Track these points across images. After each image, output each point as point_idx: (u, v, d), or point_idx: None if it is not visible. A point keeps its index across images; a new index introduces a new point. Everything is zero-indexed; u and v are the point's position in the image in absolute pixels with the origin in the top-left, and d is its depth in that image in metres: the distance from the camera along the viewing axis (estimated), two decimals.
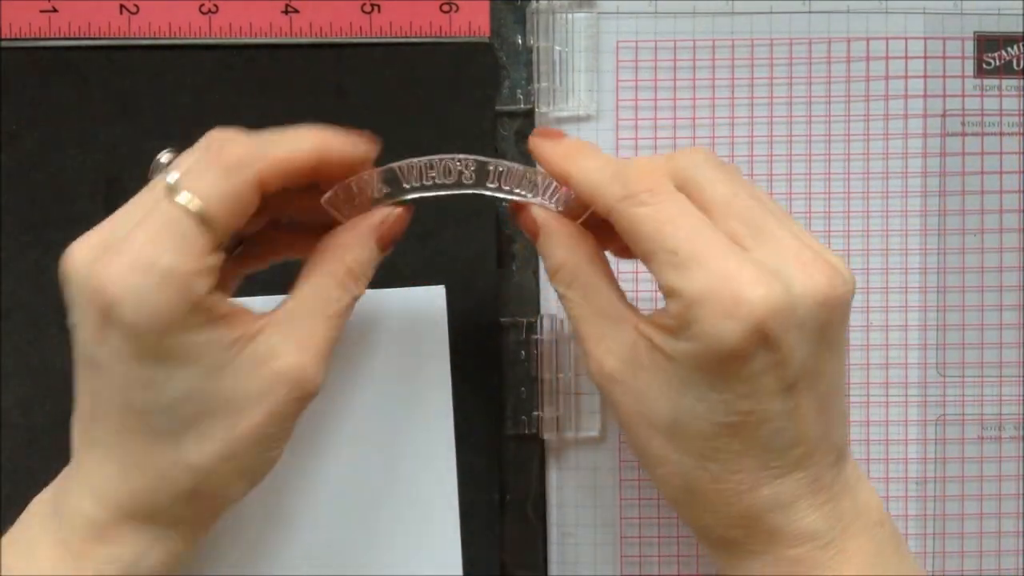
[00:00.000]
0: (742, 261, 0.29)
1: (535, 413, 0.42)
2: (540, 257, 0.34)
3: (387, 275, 0.41)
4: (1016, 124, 0.42)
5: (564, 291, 0.33)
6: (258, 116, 0.41)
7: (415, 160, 0.34)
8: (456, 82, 0.41)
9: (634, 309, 0.33)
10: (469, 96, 0.41)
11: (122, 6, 0.41)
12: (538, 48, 0.41)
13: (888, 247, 0.42)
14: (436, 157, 0.34)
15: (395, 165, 0.34)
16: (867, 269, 0.42)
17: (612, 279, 0.33)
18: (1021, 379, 0.43)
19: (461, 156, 0.34)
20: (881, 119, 0.42)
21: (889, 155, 0.42)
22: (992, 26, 0.42)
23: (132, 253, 0.29)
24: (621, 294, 0.33)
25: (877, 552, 0.32)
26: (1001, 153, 0.42)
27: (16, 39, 0.41)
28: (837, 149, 0.42)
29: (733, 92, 0.42)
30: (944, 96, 0.42)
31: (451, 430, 0.41)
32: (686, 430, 0.31)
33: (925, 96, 0.42)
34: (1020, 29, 0.42)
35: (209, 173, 0.30)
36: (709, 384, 0.30)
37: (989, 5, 0.42)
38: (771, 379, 0.29)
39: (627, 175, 0.31)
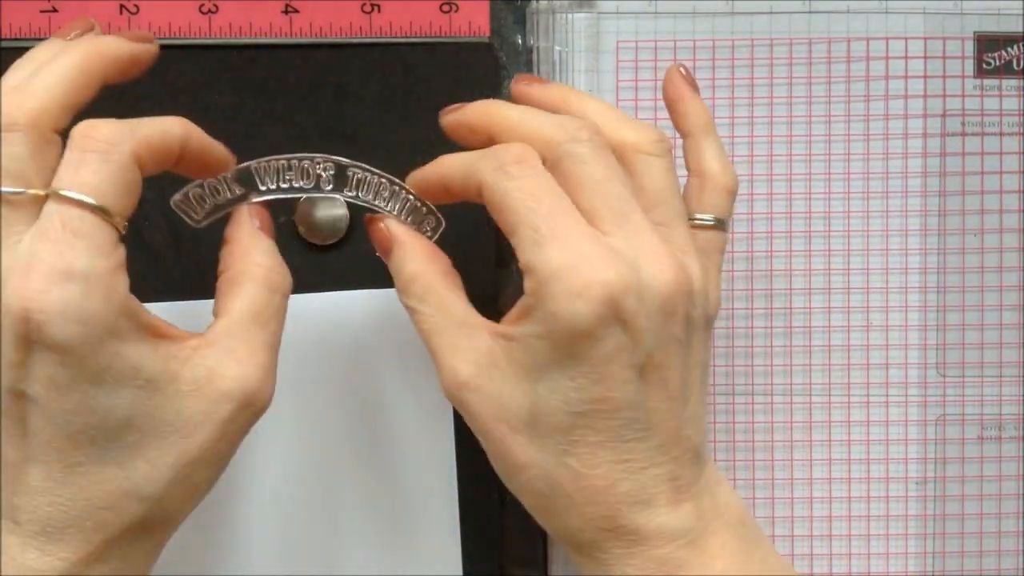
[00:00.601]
0: (598, 243, 0.30)
1: None
2: (391, 271, 0.34)
3: (386, 274, 0.41)
4: (1016, 124, 0.42)
5: (416, 304, 0.33)
6: (258, 116, 0.41)
7: (272, 159, 0.34)
8: (456, 82, 0.41)
9: (486, 320, 0.33)
10: (469, 96, 0.41)
11: (122, 6, 0.41)
12: (538, 48, 0.41)
13: (888, 247, 0.42)
14: (295, 157, 0.34)
15: (250, 164, 0.34)
16: (867, 269, 0.42)
17: (463, 293, 0.34)
18: (1021, 379, 0.43)
19: (321, 157, 0.34)
20: (881, 119, 0.42)
21: (889, 155, 0.42)
22: (992, 26, 0.42)
23: (43, 266, 0.27)
24: (472, 307, 0.33)
25: (743, 549, 0.32)
26: (1001, 153, 0.42)
27: (16, 39, 0.41)
28: (837, 149, 0.42)
29: (733, 92, 0.42)
30: (944, 96, 0.42)
31: (451, 429, 0.41)
32: (545, 423, 0.31)
33: (925, 96, 0.42)
34: (1020, 29, 0.42)
35: (87, 162, 0.29)
36: (561, 368, 0.30)
37: (989, 5, 0.42)
38: (621, 363, 0.30)
39: (502, 148, 0.32)
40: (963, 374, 0.43)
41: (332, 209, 0.41)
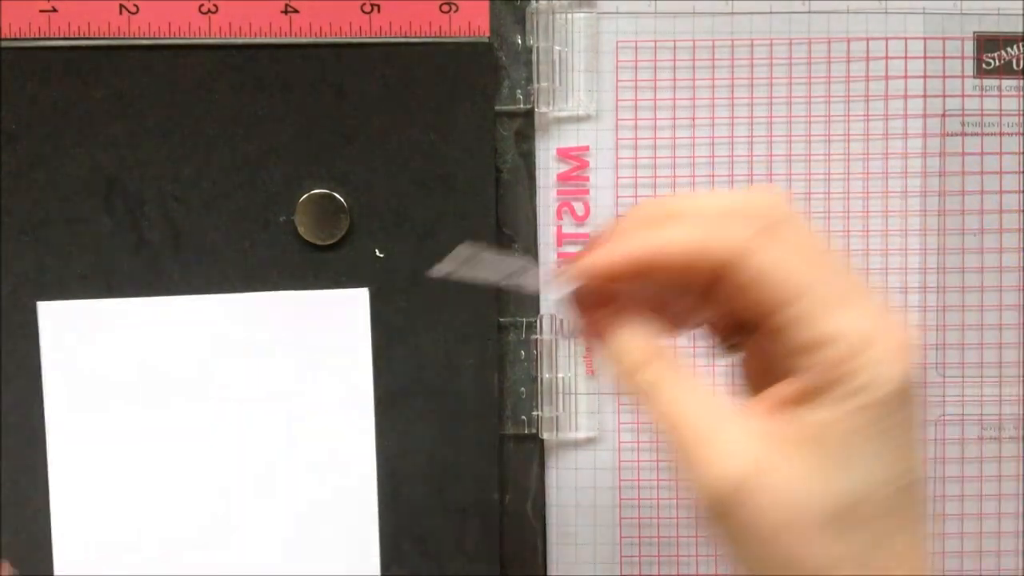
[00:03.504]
0: (872, 299, 0.27)
1: (535, 413, 0.42)
2: (609, 361, 0.29)
3: (387, 275, 0.41)
4: (1016, 124, 0.42)
5: (655, 384, 0.28)
6: (258, 116, 0.41)
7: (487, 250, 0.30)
8: (456, 82, 0.41)
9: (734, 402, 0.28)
10: (469, 96, 0.41)
11: (122, 6, 0.41)
12: (538, 48, 0.41)
13: (888, 247, 0.42)
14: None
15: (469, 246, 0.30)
16: (867, 269, 0.42)
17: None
18: (1021, 379, 0.43)
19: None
20: (881, 119, 0.42)
21: (889, 155, 0.42)
22: (992, 26, 0.42)
23: None
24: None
25: None
26: (1001, 153, 0.42)
27: (16, 39, 0.41)
28: (837, 149, 0.42)
29: (733, 92, 0.42)
30: (944, 96, 0.42)
31: (372, 433, 0.41)
32: (861, 511, 0.26)
33: (925, 96, 0.42)
34: (1020, 29, 0.42)
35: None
36: (883, 440, 0.26)
37: (989, 5, 0.42)
38: (919, 425, 0.27)
39: (750, 203, 0.27)
40: (963, 374, 0.43)
41: (332, 209, 0.41)
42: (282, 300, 0.41)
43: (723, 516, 0.26)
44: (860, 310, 0.26)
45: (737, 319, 0.29)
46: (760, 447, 0.26)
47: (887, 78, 0.42)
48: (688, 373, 0.28)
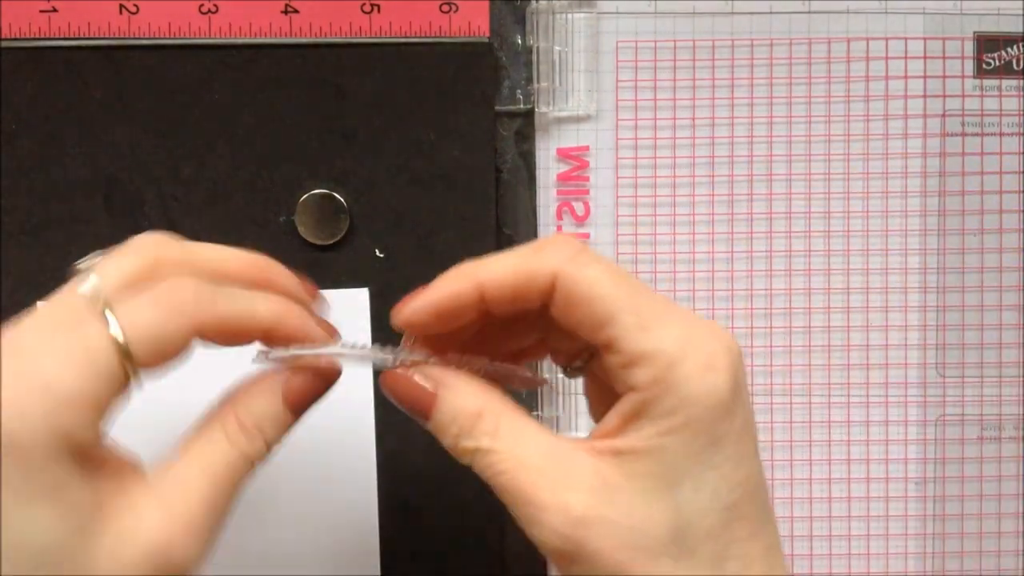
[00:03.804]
0: (692, 314, 0.27)
1: (535, 413, 0.42)
2: (438, 427, 0.29)
3: (387, 275, 0.41)
4: (1016, 124, 0.42)
5: (491, 443, 0.27)
6: (258, 116, 0.41)
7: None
8: (456, 82, 0.41)
9: (575, 440, 0.28)
10: (469, 96, 0.41)
11: (122, 6, 0.41)
12: (538, 48, 0.41)
13: (888, 247, 0.42)
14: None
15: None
16: (867, 269, 0.42)
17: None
18: (1021, 379, 0.43)
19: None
20: (881, 119, 0.42)
21: (889, 155, 0.42)
22: (992, 26, 0.42)
23: (31, 362, 0.25)
24: (551, 430, 0.29)
25: None
26: (1001, 153, 0.42)
27: (16, 39, 0.41)
28: (837, 149, 0.42)
29: (733, 92, 0.42)
30: (944, 96, 0.42)
31: (372, 433, 0.41)
32: (694, 533, 0.26)
33: (925, 96, 0.42)
34: (1020, 29, 0.42)
35: (147, 309, 0.26)
36: (703, 459, 0.26)
37: (989, 5, 0.42)
38: (747, 435, 0.27)
39: (561, 240, 0.29)
40: (963, 374, 0.43)
41: (332, 209, 0.41)
42: None
43: (574, 548, 0.26)
44: (670, 327, 0.26)
45: (574, 345, 0.29)
46: (591, 485, 0.26)
47: (887, 78, 0.42)
48: (524, 418, 0.28)
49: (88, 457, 0.26)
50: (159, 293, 0.27)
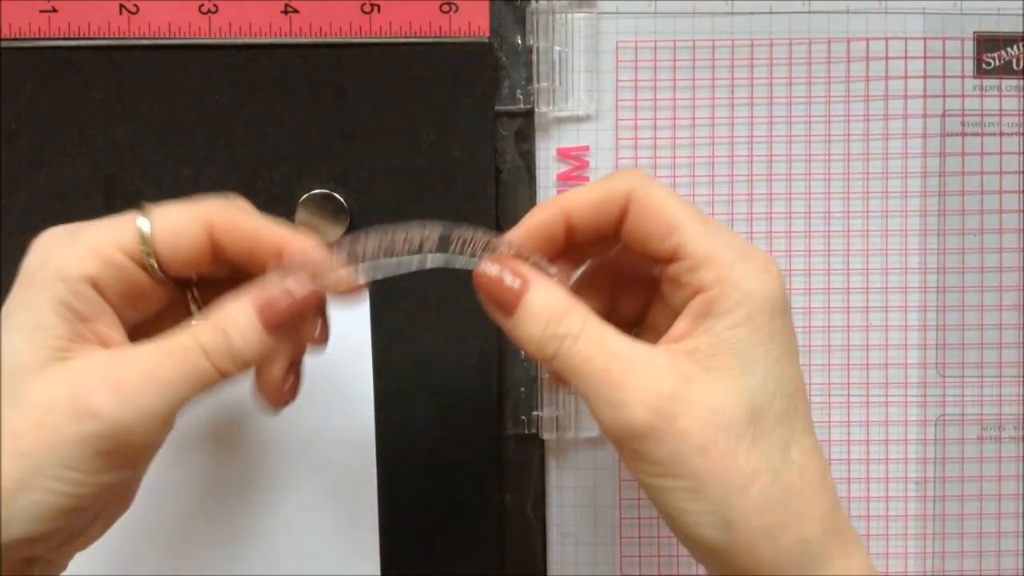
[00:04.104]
0: (742, 238, 0.31)
1: (535, 413, 0.42)
2: (525, 320, 0.30)
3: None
4: (1016, 124, 0.42)
5: (578, 335, 0.29)
6: (258, 116, 0.41)
7: (375, 232, 0.31)
8: (456, 82, 0.41)
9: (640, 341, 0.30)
10: (469, 96, 0.41)
11: (122, 6, 0.41)
12: (538, 48, 0.41)
13: (888, 247, 0.42)
14: (400, 227, 0.31)
15: (350, 238, 0.31)
16: (867, 269, 0.42)
17: None
18: (1021, 379, 0.43)
19: (424, 225, 0.32)
20: (881, 119, 0.42)
21: (889, 155, 0.42)
22: (992, 26, 0.42)
23: (75, 229, 0.31)
24: None
25: None
26: (1001, 153, 0.42)
27: (16, 39, 0.41)
28: (837, 149, 0.42)
29: (733, 92, 0.42)
30: (944, 96, 0.42)
31: (372, 433, 0.41)
32: (766, 417, 0.29)
33: (925, 96, 0.42)
34: (1020, 29, 0.42)
35: (174, 209, 0.31)
36: (766, 349, 0.29)
37: (989, 5, 0.42)
38: (793, 337, 0.30)
39: (625, 174, 0.31)
40: (963, 374, 0.43)
41: (332, 209, 0.41)
42: None
43: (657, 440, 0.28)
44: (728, 238, 0.30)
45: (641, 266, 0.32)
46: (676, 369, 0.29)
47: (887, 78, 0.42)
48: (601, 320, 0.30)
49: (85, 314, 0.29)
50: (190, 202, 0.31)
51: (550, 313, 0.30)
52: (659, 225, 0.30)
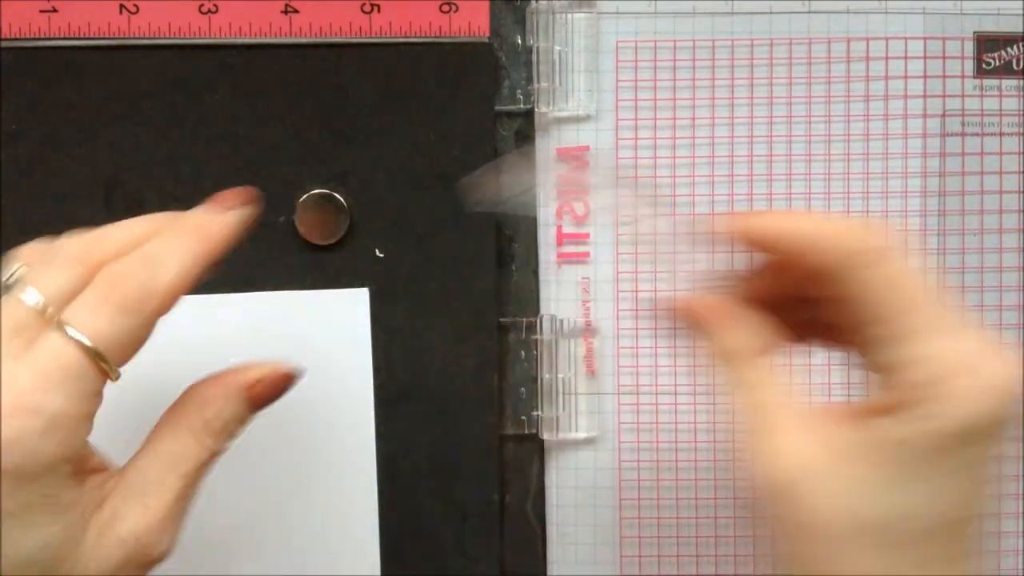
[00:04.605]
0: (980, 336, 0.27)
1: (535, 413, 0.42)
2: (711, 347, 0.30)
3: (387, 275, 0.41)
4: (1016, 124, 0.42)
5: (748, 373, 0.29)
6: (258, 116, 0.41)
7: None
8: (456, 82, 0.41)
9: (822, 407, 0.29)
10: (469, 96, 0.41)
11: (122, 6, 0.41)
12: (538, 48, 0.41)
13: None
14: None
15: None
16: None
17: None
18: (1021, 379, 0.42)
19: None
20: (881, 119, 0.42)
21: (889, 155, 0.42)
22: (992, 26, 0.42)
23: (19, 393, 0.27)
24: None
25: None
26: (1001, 153, 0.42)
27: (16, 39, 0.41)
28: (837, 149, 0.42)
29: (733, 92, 0.42)
30: (944, 96, 0.42)
31: (372, 433, 0.41)
32: (901, 532, 0.27)
33: (925, 96, 0.42)
34: (1020, 29, 0.42)
35: (103, 310, 0.28)
36: (944, 470, 0.27)
37: (989, 5, 0.42)
38: (992, 469, 0.27)
39: (866, 229, 0.29)
40: None
41: (332, 209, 0.41)
42: (282, 300, 0.41)
43: (784, 494, 0.27)
44: (959, 341, 0.27)
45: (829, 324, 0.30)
46: (826, 444, 0.27)
47: (887, 78, 0.42)
48: (775, 373, 0.29)
49: (77, 465, 0.28)
50: (105, 291, 0.28)
51: (732, 352, 0.30)
52: (866, 309, 0.28)
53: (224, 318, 0.40)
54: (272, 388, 0.32)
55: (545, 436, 0.42)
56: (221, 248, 0.31)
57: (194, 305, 0.39)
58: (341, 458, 0.41)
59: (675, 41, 0.42)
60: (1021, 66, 0.42)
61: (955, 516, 0.27)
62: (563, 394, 0.42)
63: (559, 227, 0.42)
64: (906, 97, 0.42)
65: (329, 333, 0.41)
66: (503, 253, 0.42)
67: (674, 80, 0.42)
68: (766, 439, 0.28)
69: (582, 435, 0.42)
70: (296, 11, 0.41)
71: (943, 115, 0.42)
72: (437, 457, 0.41)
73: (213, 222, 0.31)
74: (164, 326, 0.38)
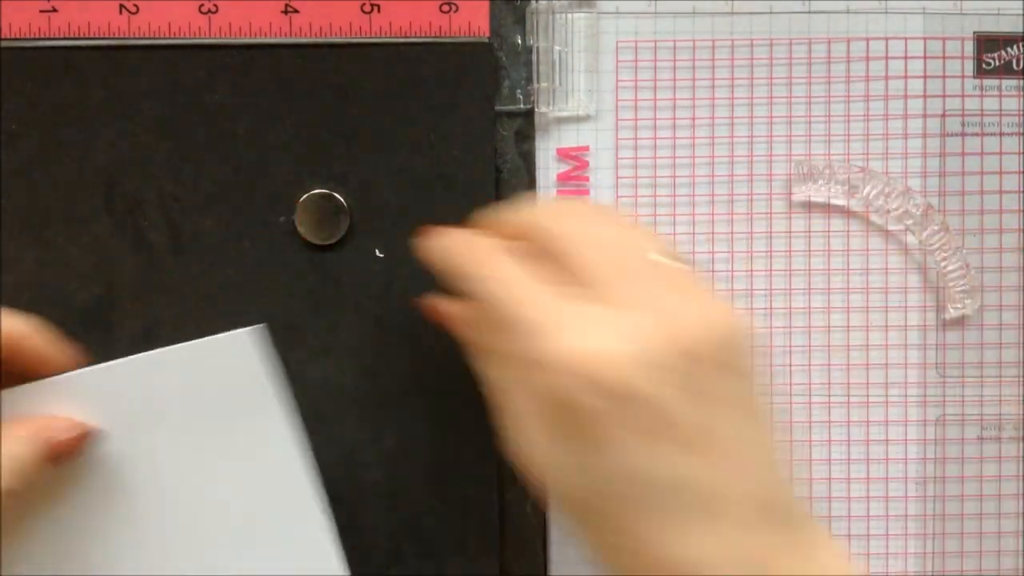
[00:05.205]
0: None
1: None
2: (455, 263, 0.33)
3: (387, 275, 0.41)
4: (1016, 124, 0.42)
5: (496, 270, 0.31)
6: (258, 116, 0.41)
7: None
8: (456, 82, 0.41)
9: None
10: (469, 96, 0.41)
11: (122, 6, 0.41)
12: (538, 48, 0.41)
13: (888, 247, 0.42)
14: None
15: None
16: (867, 269, 0.42)
17: None
18: (1021, 379, 0.43)
19: None
20: (881, 119, 0.42)
21: (889, 155, 0.42)
22: (992, 26, 0.42)
23: None
24: None
25: None
26: (1001, 153, 0.42)
27: (16, 39, 0.41)
28: (837, 149, 0.42)
29: (733, 92, 0.42)
30: (944, 96, 0.42)
31: (309, 486, 0.37)
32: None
33: (925, 96, 0.42)
34: (1020, 29, 0.42)
35: None
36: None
37: (989, 5, 0.42)
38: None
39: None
40: (963, 374, 0.43)
41: (332, 209, 0.41)
42: (151, 365, 0.36)
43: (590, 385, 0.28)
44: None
45: None
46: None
47: (887, 78, 0.42)
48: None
49: None
50: None
51: (471, 255, 0.33)
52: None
53: (111, 391, 0.36)
54: (72, 443, 0.32)
55: None
56: (32, 357, 0.32)
57: (72, 385, 0.36)
58: (286, 515, 0.37)
59: (675, 41, 0.42)
60: (1021, 66, 0.42)
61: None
62: None
63: None
64: (906, 97, 0.42)
65: (221, 392, 0.36)
66: None
67: (674, 80, 0.42)
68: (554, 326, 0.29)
69: None
70: (296, 11, 0.41)
71: (943, 115, 0.42)
72: (437, 457, 0.41)
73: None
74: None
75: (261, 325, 0.36)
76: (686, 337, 0.28)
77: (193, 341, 0.36)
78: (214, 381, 0.36)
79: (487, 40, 0.41)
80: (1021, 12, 0.42)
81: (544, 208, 0.33)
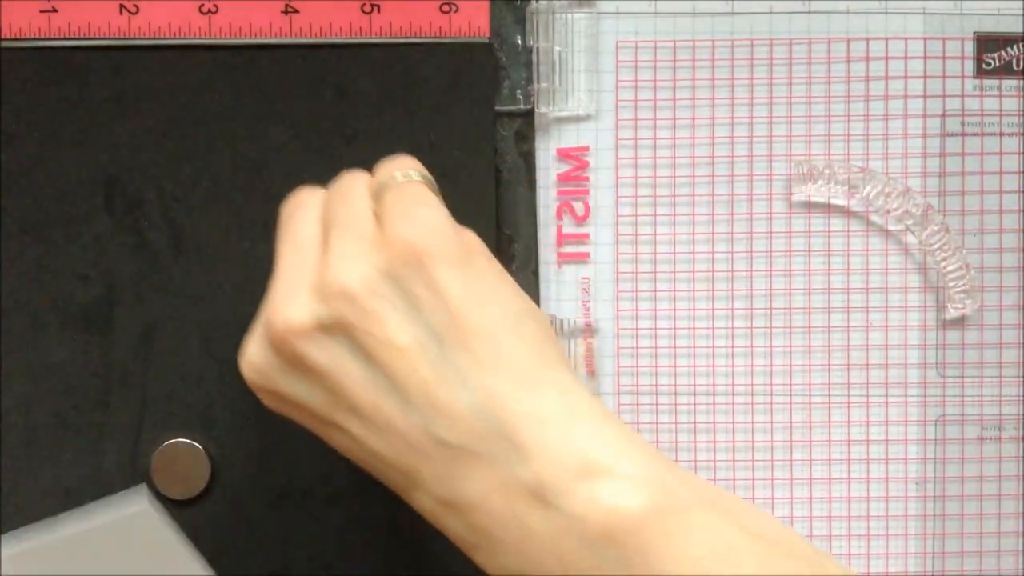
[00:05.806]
0: None
1: None
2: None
3: None
4: (1016, 124, 0.42)
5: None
6: (258, 116, 0.41)
7: None
8: (456, 82, 0.41)
9: None
10: (469, 96, 0.41)
11: (122, 6, 0.41)
12: (538, 48, 0.41)
13: (888, 247, 0.42)
14: None
15: None
16: (867, 269, 0.42)
17: None
18: (1021, 379, 0.43)
19: None
20: (881, 119, 0.42)
21: (889, 155, 0.42)
22: (992, 26, 0.42)
23: None
24: None
25: None
26: (1001, 153, 0.42)
27: (16, 39, 0.41)
28: (837, 149, 0.42)
29: (733, 92, 0.42)
30: (944, 96, 0.42)
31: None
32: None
33: (925, 96, 0.42)
34: (1020, 29, 0.42)
35: None
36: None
37: (989, 5, 0.42)
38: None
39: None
40: (963, 374, 0.43)
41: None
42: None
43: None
44: None
45: None
46: None
47: (887, 78, 0.42)
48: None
49: None
50: None
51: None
52: None
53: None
54: None
55: None
56: None
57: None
58: None
59: (675, 41, 0.42)
60: (1021, 66, 0.42)
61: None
62: None
63: (559, 227, 0.42)
64: (906, 97, 0.42)
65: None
66: (503, 253, 0.42)
67: (674, 80, 0.42)
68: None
69: None
70: (296, 11, 0.41)
71: (943, 115, 0.42)
72: None
73: None
74: None
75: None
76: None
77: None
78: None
79: (487, 40, 0.41)
80: (1021, 12, 0.42)
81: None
